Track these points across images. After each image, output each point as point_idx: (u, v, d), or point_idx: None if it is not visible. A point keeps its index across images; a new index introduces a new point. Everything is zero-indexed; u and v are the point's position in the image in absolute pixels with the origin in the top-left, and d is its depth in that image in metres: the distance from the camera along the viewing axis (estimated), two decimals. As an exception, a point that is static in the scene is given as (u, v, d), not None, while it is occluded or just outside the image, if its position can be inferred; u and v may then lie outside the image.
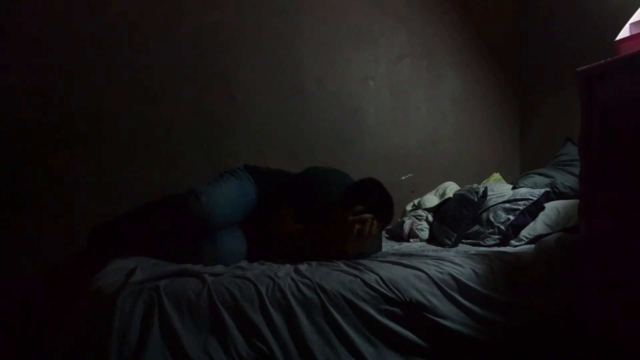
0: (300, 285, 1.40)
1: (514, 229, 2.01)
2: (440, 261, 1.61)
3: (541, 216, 2.01)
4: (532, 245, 1.81)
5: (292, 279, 1.43)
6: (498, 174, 2.77)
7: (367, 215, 1.69)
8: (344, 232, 1.68)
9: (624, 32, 1.55)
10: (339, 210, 1.71)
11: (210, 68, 2.44)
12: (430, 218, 2.38)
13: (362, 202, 1.70)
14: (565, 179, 2.18)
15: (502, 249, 1.88)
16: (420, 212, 2.44)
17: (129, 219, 1.86)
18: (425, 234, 2.31)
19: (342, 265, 1.60)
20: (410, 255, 1.79)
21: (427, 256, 1.72)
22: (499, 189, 2.33)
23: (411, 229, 2.32)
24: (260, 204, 1.90)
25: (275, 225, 1.80)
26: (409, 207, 2.57)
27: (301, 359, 1.32)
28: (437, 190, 2.60)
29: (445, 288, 1.48)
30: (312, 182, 1.89)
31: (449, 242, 2.07)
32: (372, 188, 1.78)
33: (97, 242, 1.88)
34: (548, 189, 2.12)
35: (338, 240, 1.71)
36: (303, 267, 1.56)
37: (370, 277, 1.46)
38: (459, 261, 1.61)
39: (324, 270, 1.53)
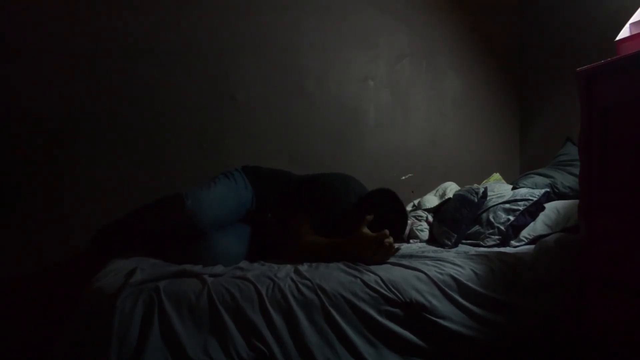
0: (300, 285, 1.40)
1: (514, 230, 2.01)
2: (440, 262, 1.61)
3: (541, 216, 2.01)
4: (532, 246, 1.80)
5: (292, 279, 1.43)
6: (498, 174, 2.77)
7: (385, 232, 1.66)
8: (368, 250, 1.65)
9: (624, 32, 1.55)
10: (361, 228, 1.68)
11: (210, 68, 2.44)
12: (430, 218, 2.37)
13: (377, 214, 1.70)
14: (565, 179, 2.18)
15: (502, 249, 1.88)
16: (420, 212, 2.44)
17: (128, 221, 1.86)
18: (425, 235, 2.31)
19: (342, 266, 1.60)
20: (410, 256, 1.79)
21: (427, 257, 1.72)
22: (499, 189, 2.32)
23: (411, 230, 2.32)
24: (260, 206, 1.89)
25: (292, 236, 1.76)
26: (408, 208, 2.57)
27: (301, 360, 1.32)
28: (437, 190, 2.60)
29: (445, 289, 1.48)
30: (330, 192, 1.86)
31: (449, 243, 2.07)
32: (387, 200, 1.79)
33: (102, 242, 1.88)
34: (548, 189, 2.12)
35: (363, 257, 1.67)
36: (303, 267, 1.56)
37: (370, 278, 1.46)
38: (459, 262, 1.61)
39: (323, 271, 1.52)
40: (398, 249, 1.73)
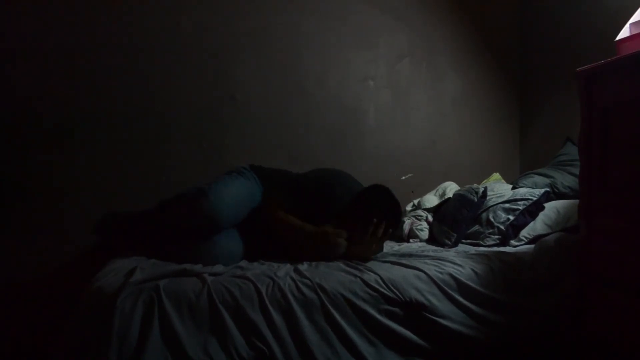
0: (300, 285, 1.40)
1: (514, 229, 2.01)
2: (440, 261, 1.62)
3: (541, 216, 2.01)
4: (532, 245, 1.81)
5: (292, 278, 1.44)
6: (498, 174, 2.77)
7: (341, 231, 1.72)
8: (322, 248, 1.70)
9: (624, 32, 1.55)
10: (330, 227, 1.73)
11: (210, 68, 2.44)
12: (430, 218, 2.38)
13: (371, 209, 1.73)
14: (565, 179, 2.18)
15: (502, 249, 1.88)
16: (420, 212, 2.44)
17: (139, 217, 1.85)
18: (425, 234, 2.31)
19: (342, 265, 1.60)
20: (410, 255, 1.79)
21: (426, 256, 1.73)
22: (498, 189, 2.33)
23: (411, 229, 2.32)
24: (264, 204, 1.89)
25: (265, 210, 1.80)
26: (408, 207, 2.57)
27: (301, 359, 1.32)
28: (437, 190, 2.60)
29: (445, 288, 1.49)
30: (317, 185, 1.87)
31: (449, 243, 2.07)
32: (380, 195, 1.80)
33: (107, 232, 1.87)
34: (548, 189, 2.12)
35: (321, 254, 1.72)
36: (303, 267, 1.56)
37: (370, 277, 1.46)
38: (458, 261, 1.61)
39: (323, 270, 1.53)
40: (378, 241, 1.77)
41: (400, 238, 2.33)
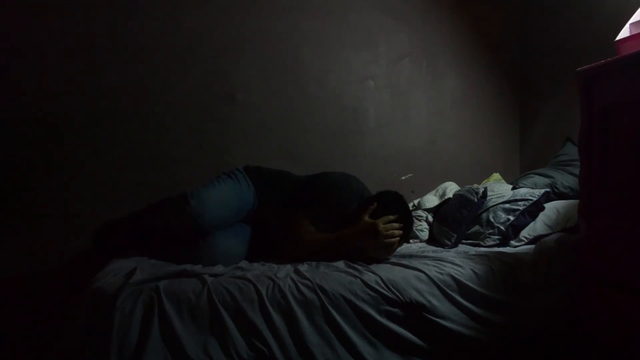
0: (300, 285, 1.40)
1: (514, 230, 2.01)
2: (440, 262, 1.62)
3: (541, 216, 2.01)
4: (532, 246, 1.80)
5: (292, 279, 1.44)
6: (498, 174, 2.77)
7: (398, 225, 1.71)
8: (376, 240, 1.68)
9: (624, 32, 1.55)
10: (368, 219, 1.72)
11: (210, 68, 2.44)
12: (430, 218, 2.38)
13: (387, 214, 1.73)
14: (565, 179, 2.18)
15: (502, 249, 1.88)
16: (420, 212, 2.44)
17: (130, 220, 1.86)
18: (425, 235, 2.31)
19: (342, 265, 1.60)
20: (410, 256, 1.79)
21: (426, 257, 1.73)
22: (498, 189, 2.32)
23: (411, 229, 2.32)
24: (262, 207, 1.89)
25: (292, 233, 1.76)
26: (409, 207, 2.57)
27: (301, 360, 1.32)
28: (437, 190, 2.60)
29: (445, 289, 1.49)
30: (331, 190, 1.86)
31: (449, 243, 2.07)
32: (395, 201, 1.80)
33: (103, 240, 1.88)
34: (548, 189, 2.12)
35: (368, 247, 1.70)
36: (303, 267, 1.56)
37: (370, 278, 1.46)
38: (458, 262, 1.61)
39: (323, 270, 1.53)
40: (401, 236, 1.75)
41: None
